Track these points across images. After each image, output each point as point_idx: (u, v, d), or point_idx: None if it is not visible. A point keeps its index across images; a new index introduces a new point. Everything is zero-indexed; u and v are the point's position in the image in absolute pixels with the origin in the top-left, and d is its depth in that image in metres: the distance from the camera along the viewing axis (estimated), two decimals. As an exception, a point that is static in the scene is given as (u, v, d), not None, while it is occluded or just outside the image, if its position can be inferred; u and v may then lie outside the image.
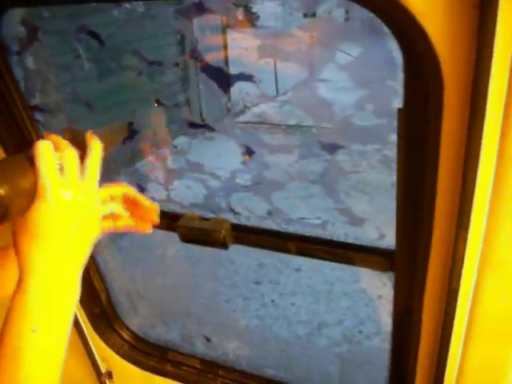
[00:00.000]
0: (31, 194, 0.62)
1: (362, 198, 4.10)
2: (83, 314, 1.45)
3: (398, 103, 0.76)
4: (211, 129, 5.25)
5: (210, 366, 1.47)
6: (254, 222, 4.21)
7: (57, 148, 0.66)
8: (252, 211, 4.25)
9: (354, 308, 3.30)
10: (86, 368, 1.55)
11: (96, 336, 1.48)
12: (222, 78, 4.58)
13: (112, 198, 0.86)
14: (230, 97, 6.03)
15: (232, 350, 2.79)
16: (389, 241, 0.95)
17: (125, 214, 0.89)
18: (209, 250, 0.92)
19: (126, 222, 0.89)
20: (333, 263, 1.13)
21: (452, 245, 0.74)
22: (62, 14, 4.08)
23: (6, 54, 1.15)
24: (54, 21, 4.08)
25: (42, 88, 4.24)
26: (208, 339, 2.78)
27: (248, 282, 3.72)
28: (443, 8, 0.58)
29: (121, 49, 4.31)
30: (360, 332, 3.05)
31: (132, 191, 0.88)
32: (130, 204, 0.89)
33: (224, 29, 5.73)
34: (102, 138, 0.75)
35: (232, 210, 4.30)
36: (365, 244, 1.07)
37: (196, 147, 4.61)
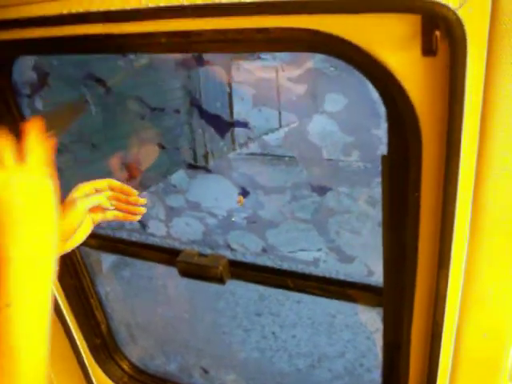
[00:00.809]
0: None
1: (351, 237, 4.09)
2: (84, 345, 1.44)
3: (382, 150, 0.79)
4: (208, 170, 5.30)
5: None
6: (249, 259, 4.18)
7: None
8: (248, 248, 4.23)
9: (355, 340, 3.19)
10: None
11: (96, 366, 1.46)
12: (220, 124, 4.64)
13: (97, 191, 0.87)
14: (233, 136, 6.11)
15: (230, 383, 2.73)
16: (378, 277, 0.96)
17: (110, 205, 0.89)
18: (208, 283, 0.91)
19: (113, 213, 0.90)
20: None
21: (435, 282, 0.75)
22: (71, 62, 4.16)
23: (17, 97, 1.17)
24: (62, 67, 4.15)
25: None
26: (206, 371, 2.73)
27: (249, 314, 3.61)
28: (420, 68, 0.62)
29: (125, 95, 4.38)
30: (361, 365, 2.95)
31: (117, 183, 0.89)
32: (117, 195, 0.89)
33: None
34: (57, 117, 0.73)
35: (229, 247, 4.29)
36: (355, 281, 1.08)
37: (194, 186, 4.63)
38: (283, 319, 3.51)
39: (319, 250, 3.99)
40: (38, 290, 0.62)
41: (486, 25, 0.54)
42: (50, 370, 1.41)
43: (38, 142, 0.67)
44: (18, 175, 0.63)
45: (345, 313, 3.38)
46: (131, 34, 0.82)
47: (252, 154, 6.07)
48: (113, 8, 0.78)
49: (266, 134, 5.66)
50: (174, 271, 1.14)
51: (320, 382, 2.91)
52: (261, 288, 3.69)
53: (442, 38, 0.57)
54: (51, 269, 0.64)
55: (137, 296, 3.75)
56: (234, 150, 6.18)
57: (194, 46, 0.84)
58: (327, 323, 3.38)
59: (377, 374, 2.90)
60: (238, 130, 5.88)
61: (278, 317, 3.54)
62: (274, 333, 3.39)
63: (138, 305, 3.39)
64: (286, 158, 5.18)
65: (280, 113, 5.52)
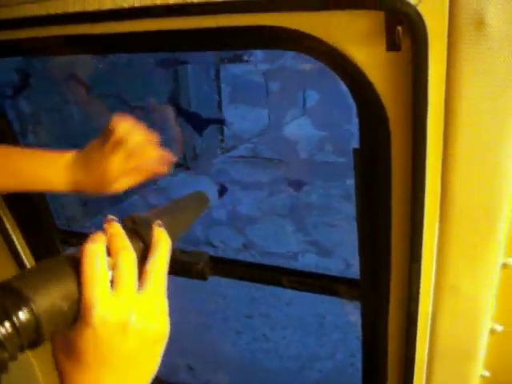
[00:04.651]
0: (72, 312, 0.45)
1: (328, 231, 4.11)
2: None
3: (354, 143, 0.80)
4: (187, 168, 5.28)
5: None
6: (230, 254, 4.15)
7: (111, 245, 0.49)
8: (228, 244, 4.22)
9: (345, 341, 3.13)
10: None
11: None
12: (198, 122, 4.64)
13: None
14: (223, 135, 6.10)
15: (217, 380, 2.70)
16: (355, 270, 0.95)
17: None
18: (199, 284, 0.86)
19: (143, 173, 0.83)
20: (323, 296, 1.12)
21: (408, 273, 0.75)
22: (52, 63, 4.10)
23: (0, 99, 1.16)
24: (44, 68, 4.10)
25: (34, 129, 4.23)
26: (192, 369, 2.68)
27: (239, 316, 3.52)
28: (385, 63, 0.62)
29: (106, 94, 4.34)
30: (352, 365, 2.91)
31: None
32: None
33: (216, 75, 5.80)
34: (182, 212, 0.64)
35: (210, 243, 4.28)
36: (332, 274, 1.08)
37: (176, 185, 4.60)
38: (274, 321, 3.46)
39: (297, 244, 4.00)
40: None
41: (445, 20, 0.55)
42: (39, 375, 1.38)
43: (163, 261, 0.52)
44: (131, 312, 0.47)
45: (334, 314, 3.35)
46: (114, 34, 0.80)
47: (241, 156, 6.04)
48: (93, 8, 0.77)
49: (244, 131, 5.65)
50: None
51: (311, 382, 2.88)
52: (252, 290, 3.66)
53: (405, 33, 0.58)
54: None
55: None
56: (223, 152, 6.15)
57: (174, 45, 0.84)
58: (317, 324, 3.35)
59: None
60: (227, 132, 5.86)
61: (268, 318, 3.49)
62: (264, 334, 3.34)
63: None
64: (275, 161, 5.12)
65: (257, 110, 5.54)
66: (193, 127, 4.60)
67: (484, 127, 0.61)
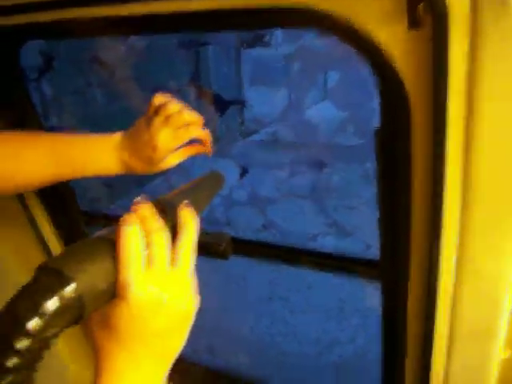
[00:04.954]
0: (110, 290, 0.48)
1: (348, 212, 4.09)
2: None
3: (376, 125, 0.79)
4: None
5: (214, 376, 1.42)
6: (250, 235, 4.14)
7: (144, 227, 0.50)
8: (248, 225, 4.22)
9: (365, 325, 3.07)
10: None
11: None
12: (218, 103, 4.64)
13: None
14: (243, 118, 6.09)
15: (236, 362, 2.69)
16: (374, 252, 0.95)
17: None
18: (220, 266, 0.86)
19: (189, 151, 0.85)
20: (343, 280, 1.13)
21: (429, 251, 0.75)
22: (76, 46, 4.13)
23: (24, 81, 1.17)
24: (68, 51, 4.13)
25: (57, 112, 4.28)
26: (212, 351, 2.70)
27: (259, 299, 3.50)
28: (406, 41, 0.62)
29: (127, 76, 4.36)
30: (371, 350, 2.83)
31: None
32: None
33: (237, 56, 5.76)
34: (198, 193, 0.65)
35: (230, 224, 4.30)
36: (352, 255, 1.08)
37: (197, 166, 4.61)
38: (293, 305, 3.42)
39: (317, 225, 3.98)
40: None
41: (467, -3, 0.54)
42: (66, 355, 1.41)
43: (191, 242, 0.54)
44: (164, 289, 0.49)
45: (355, 298, 3.29)
46: (136, 15, 0.81)
47: (261, 140, 6.01)
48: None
49: (264, 115, 5.62)
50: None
51: (330, 366, 2.85)
52: (272, 274, 3.63)
53: (426, 11, 0.57)
54: None
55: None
56: (243, 136, 6.14)
57: (195, 25, 0.84)
58: (337, 308, 3.30)
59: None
60: (247, 116, 5.83)
61: (288, 302, 3.46)
62: (284, 318, 3.31)
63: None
64: (296, 144, 5.04)
65: (279, 91, 5.50)
66: (214, 108, 4.61)
67: (508, 104, 0.60)
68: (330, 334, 3.10)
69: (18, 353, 0.39)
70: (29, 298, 0.42)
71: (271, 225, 4.12)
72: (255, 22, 0.78)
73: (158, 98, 0.78)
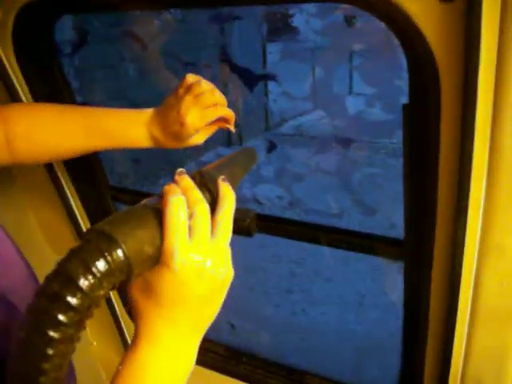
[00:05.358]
0: (155, 256, 0.49)
1: (374, 190, 4.04)
2: (116, 294, 1.43)
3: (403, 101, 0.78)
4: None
5: (234, 353, 1.43)
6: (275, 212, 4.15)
7: (187, 198, 0.51)
8: (274, 201, 4.21)
9: (384, 320, 3.01)
10: (117, 349, 1.53)
11: (128, 319, 1.46)
12: (250, 78, 4.60)
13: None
14: (268, 110, 6.04)
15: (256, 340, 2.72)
16: (399, 231, 0.95)
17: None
18: (240, 258, 0.86)
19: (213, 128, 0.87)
20: (364, 275, 1.11)
21: (453, 231, 0.75)
22: (109, 21, 4.15)
23: (58, 56, 1.19)
24: (101, 26, 4.16)
25: (90, 86, 4.33)
26: (233, 327, 2.72)
27: (279, 291, 3.51)
28: (438, 14, 0.61)
29: (159, 50, 4.36)
30: (390, 344, 2.60)
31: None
32: None
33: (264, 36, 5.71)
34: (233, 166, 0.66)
35: (256, 201, 4.31)
36: (377, 233, 1.06)
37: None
38: (313, 297, 3.43)
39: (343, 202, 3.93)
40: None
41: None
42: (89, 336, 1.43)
43: (230, 214, 0.55)
44: (206, 257, 0.51)
45: (374, 292, 3.28)
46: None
47: (286, 134, 5.95)
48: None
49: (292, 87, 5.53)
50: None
51: (347, 359, 2.84)
52: (292, 265, 3.64)
53: (459, -18, 0.56)
54: (193, 364, 0.55)
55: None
56: (268, 130, 6.08)
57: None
58: (357, 302, 3.30)
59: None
60: (275, 91, 5.77)
61: (308, 294, 3.46)
62: (303, 310, 3.32)
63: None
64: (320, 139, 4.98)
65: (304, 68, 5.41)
66: (244, 83, 4.57)
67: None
68: (348, 326, 3.11)
69: (71, 308, 0.41)
70: (81, 258, 0.43)
71: (297, 202, 4.11)
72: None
73: (190, 78, 0.81)
